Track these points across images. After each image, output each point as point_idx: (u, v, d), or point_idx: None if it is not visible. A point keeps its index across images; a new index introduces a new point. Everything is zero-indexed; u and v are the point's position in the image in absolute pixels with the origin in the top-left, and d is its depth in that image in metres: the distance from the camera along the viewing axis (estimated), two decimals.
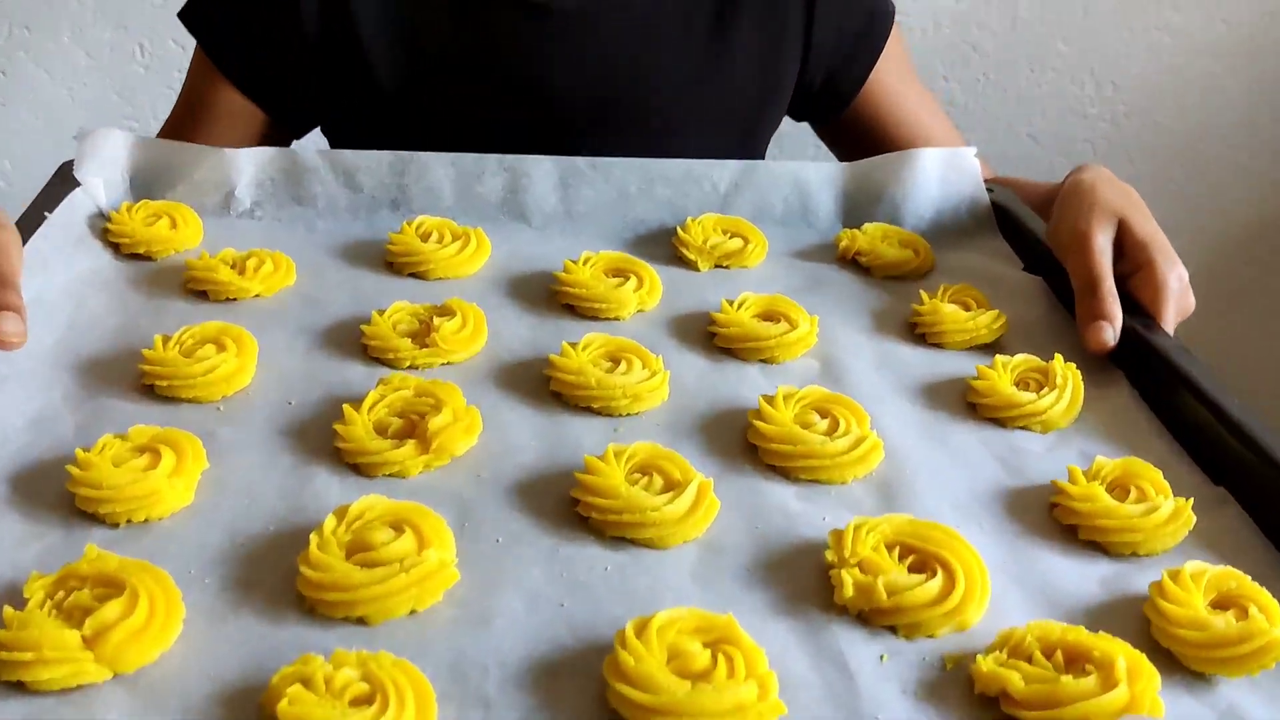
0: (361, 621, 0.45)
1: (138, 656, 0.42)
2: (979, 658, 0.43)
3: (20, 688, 0.41)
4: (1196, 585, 0.46)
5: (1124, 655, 0.42)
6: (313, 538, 0.46)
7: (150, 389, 0.58)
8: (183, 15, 0.88)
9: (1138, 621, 0.46)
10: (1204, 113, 1.61)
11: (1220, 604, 0.45)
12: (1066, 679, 0.41)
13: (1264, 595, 0.45)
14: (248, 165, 0.75)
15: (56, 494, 0.50)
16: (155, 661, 0.42)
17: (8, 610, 0.42)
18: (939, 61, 1.54)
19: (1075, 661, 0.42)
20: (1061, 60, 1.56)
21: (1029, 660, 0.42)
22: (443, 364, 0.61)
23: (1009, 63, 1.56)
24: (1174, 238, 1.60)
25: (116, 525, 0.49)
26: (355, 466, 0.53)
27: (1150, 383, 0.60)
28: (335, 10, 0.83)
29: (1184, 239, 1.62)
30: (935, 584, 0.45)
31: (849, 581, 0.45)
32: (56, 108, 1.47)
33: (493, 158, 0.76)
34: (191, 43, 1.43)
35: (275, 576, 0.46)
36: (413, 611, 0.45)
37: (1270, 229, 1.69)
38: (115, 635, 0.42)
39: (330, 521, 0.47)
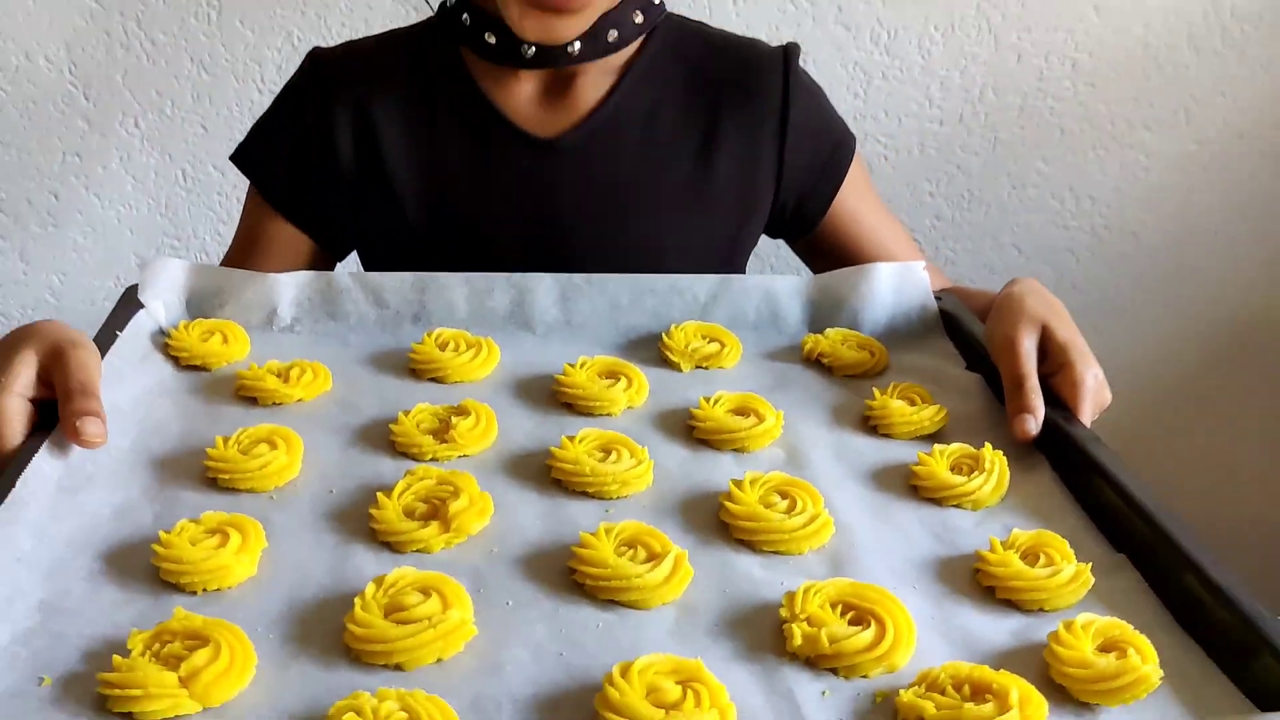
0: (398, 668, 0.56)
1: (222, 693, 0.53)
2: (901, 692, 0.53)
3: (129, 717, 0.52)
4: (1086, 633, 0.56)
5: (1017, 687, 0.52)
6: (357, 601, 0.58)
7: (213, 481, 0.69)
8: (236, 159, 1.02)
9: (1038, 663, 0.56)
10: (1178, 224, 1.74)
11: (1106, 648, 0.56)
12: (969, 705, 0.52)
13: (1142, 640, 0.56)
14: (288, 287, 0.88)
15: (143, 569, 0.61)
16: (234, 698, 0.53)
17: (116, 658, 0.53)
18: (925, 180, 1.68)
19: (979, 693, 0.53)
20: (1041, 177, 1.70)
21: (941, 693, 0.53)
22: (460, 456, 0.73)
23: (991, 180, 1.69)
24: (1156, 340, 1.70)
25: (194, 593, 0.60)
26: (387, 544, 0.64)
27: (1067, 467, 0.71)
28: (368, 151, 0.97)
29: (1165, 341, 1.77)
30: (869, 634, 0.56)
31: (798, 633, 0.56)
32: (105, 228, 1.62)
33: (501, 276, 0.88)
34: (230, 170, 1.59)
35: (326, 633, 0.58)
36: (439, 660, 0.56)
37: (1248, 332, 1.81)
38: (205, 676, 0.53)
39: (370, 588, 0.59)
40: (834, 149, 1.03)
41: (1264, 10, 1.61)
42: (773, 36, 1.58)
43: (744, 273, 1.04)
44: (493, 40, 0.95)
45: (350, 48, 1.03)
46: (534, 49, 0.93)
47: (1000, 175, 1.69)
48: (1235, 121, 1.68)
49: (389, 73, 0.99)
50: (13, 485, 0.63)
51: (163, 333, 0.86)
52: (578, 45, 0.94)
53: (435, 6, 1.04)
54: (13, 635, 0.56)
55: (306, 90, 1.00)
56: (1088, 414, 0.75)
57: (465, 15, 0.97)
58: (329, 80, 0.99)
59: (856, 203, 1.04)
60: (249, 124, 1.07)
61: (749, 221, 1.02)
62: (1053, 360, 0.77)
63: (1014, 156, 1.68)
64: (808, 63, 1.57)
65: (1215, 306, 1.79)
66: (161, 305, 0.87)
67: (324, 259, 1.03)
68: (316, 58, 1.01)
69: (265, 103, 1.50)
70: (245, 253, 1.01)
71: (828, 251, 1.04)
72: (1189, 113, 1.67)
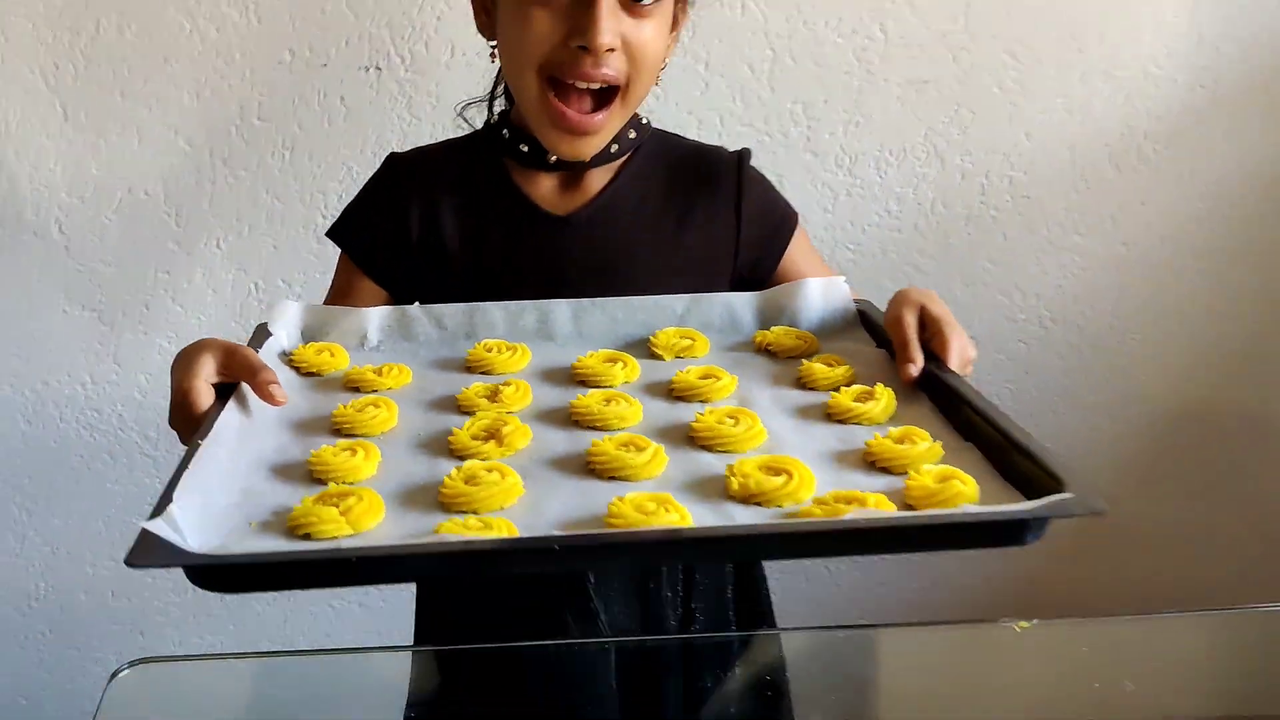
0: (474, 512, 0.90)
1: (366, 523, 0.87)
2: (801, 508, 0.87)
3: (307, 537, 0.86)
4: (929, 474, 0.90)
5: (873, 498, 0.86)
6: (445, 478, 0.92)
7: (338, 431, 1.05)
8: (331, 234, 1.40)
9: (899, 497, 0.90)
10: (1114, 316, 2.10)
11: (943, 481, 0.90)
12: (843, 506, 0.85)
13: (966, 476, 0.90)
14: (374, 318, 1.25)
15: (301, 475, 0.96)
16: (373, 527, 0.88)
17: (295, 505, 0.89)
18: (889, 280, 2.05)
19: (850, 503, 0.87)
20: (990, 276, 2.07)
21: (826, 504, 0.87)
22: (506, 412, 1.08)
23: (946, 280, 2.06)
24: (1103, 421, 2.07)
25: (337, 483, 0.95)
26: (461, 456, 0.99)
27: (940, 399, 1.06)
28: (431, 232, 1.35)
29: (1111, 422, 2.11)
30: (782, 479, 0.90)
31: (735, 481, 0.91)
32: (187, 335, 1.98)
33: (529, 303, 1.25)
34: (295, 283, 1.97)
35: (426, 501, 0.92)
36: (501, 506, 0.90)
37: (1185, 414, 2.16)
38: (355, 511, 0.87)
39: (454, 471, 0.93)
40: (779, 223, 1.41)
41: (1172, 133, 2.02)
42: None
43: None
44: (525, 149, 1.34)
45: (419, 153, 1.43)
46: (555, 156, 1.32)
47: (954, 275, 2.06)
48: (1156, 226, 2.06)
49: (448, 174, 1.38)
50: (210, 429, 0.98)
51: (285, 353, 1.22)
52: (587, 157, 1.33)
53: (481, 124, 1.44)
54: (227, 504, 0.92)
55: (385, 185, 1.39)
56: (955, 363, 1.10)
57: (505, 131, 1.36)
58: (401, 180, 1.38)
59: (802, 265, 1.41)
60: (314, 243, 1.44)
61: (714, 282, 1.38)
62: (930, 329, 1.13)
63: (965, 259, 2.06)
64: (783, 182, 1.98)
65: (1158, 392, 2.15)
66: (285, 334, 1.24)
67: (392, 303, 1.39)
68: (393, 162, 1.40)
69: (327, 224, 1.91)
70: (337, 300, 1.38)
71: None
72: (1115, 219, 2.06)
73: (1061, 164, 2.02)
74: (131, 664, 1.15)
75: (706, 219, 1.37)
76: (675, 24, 1.33)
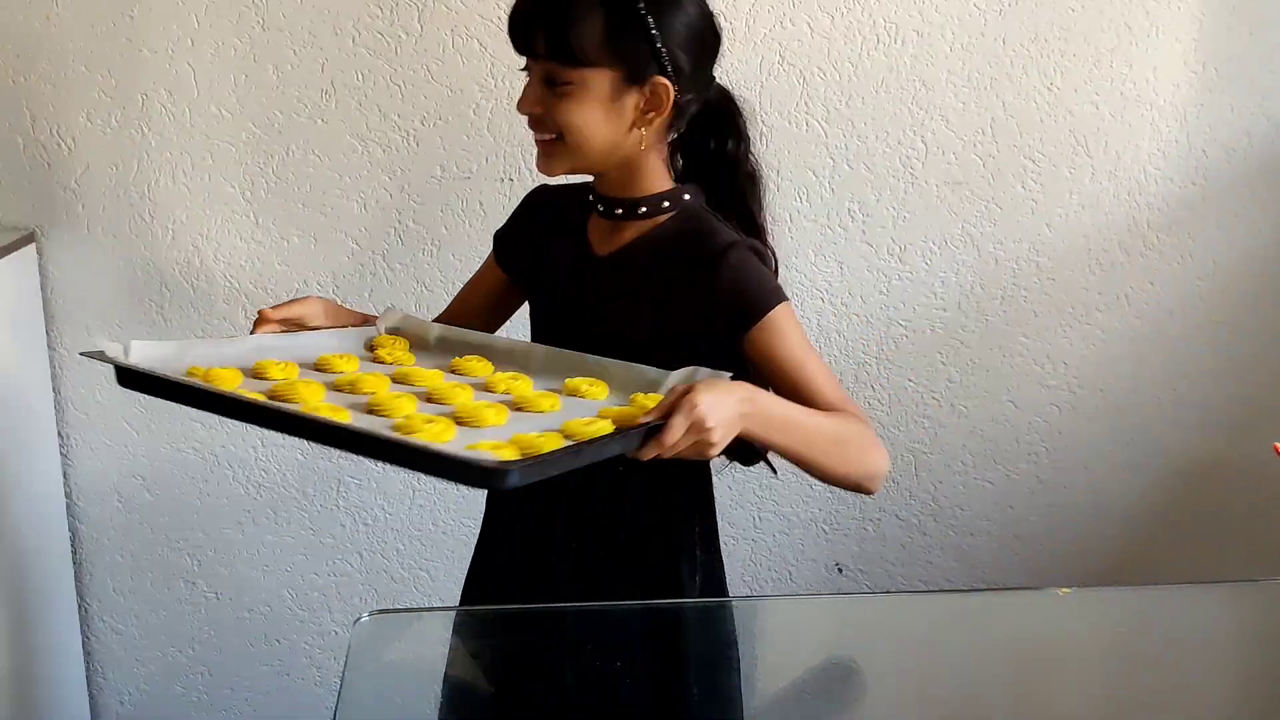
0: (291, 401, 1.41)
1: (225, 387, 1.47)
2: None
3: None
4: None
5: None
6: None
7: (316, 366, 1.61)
8: (495, 236, 1.91)
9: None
10: (1133, 380, 2.56)
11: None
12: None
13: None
14: (435, 329, 1.77)
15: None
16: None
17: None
18: (937, 352, 2.53)
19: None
20: (1024, 348, 2.55)
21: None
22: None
23: (987, 351, 2.54)
24: (1127, 474, 2.64)
25: None
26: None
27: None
28: (530, 242, 1.83)
29: (1134, 474, 2.58)
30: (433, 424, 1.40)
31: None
32: None
33: (523, 343, 1.72)
34: None
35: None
36: (305, 402, 1.42)
37: (1197, 467, 2.61)
38: (218, 378, 1.48)
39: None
40: (747, 304, 1.59)
41: (1170, 223, 2.51)
42: (818, 255, 2.49)
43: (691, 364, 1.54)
44: (591, 197, 1.79)
45: (551, 190, 1.89)
46: (601, 207, 1.76)
47: (993, 347, 2.54)
48: (1165, 302, 2.54)
49: (558, 210, 1.84)
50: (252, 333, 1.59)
51: (369, 340, 1.75)
52: (621, 211, 1.74)
53: None
54: (221, 355, 1.51)
55: (521, 208, 1.90)
56: (669, 435, 1.37)
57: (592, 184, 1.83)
58: (528, 208, 1.89)
59: (772, 342, 1.59)
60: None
61: (686, 332, 1.64)
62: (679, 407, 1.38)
63: (1001, 333, 2.54)
64: (844, 269, 2.50)
65: (1170, 447, 2.60)
66: (383, 327, 1.78)
67: (513, 291, 1.90)
68: (533, 193, 1.90)
69: None
70: (474, 280, 1.95)
71: (758, 372, 1.60)
72: (1128, 297, 2.54)
73: (1079, 251, 2.52)
74: (370, 614, 1.62)
75: (686, 286, 1.63)
76: (637, 107, 1.60)
